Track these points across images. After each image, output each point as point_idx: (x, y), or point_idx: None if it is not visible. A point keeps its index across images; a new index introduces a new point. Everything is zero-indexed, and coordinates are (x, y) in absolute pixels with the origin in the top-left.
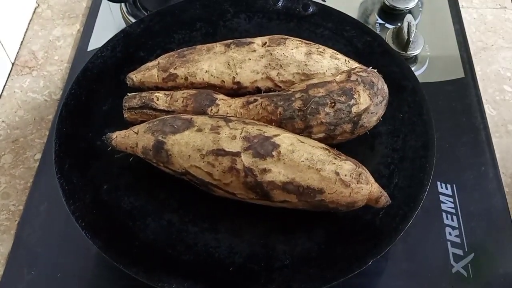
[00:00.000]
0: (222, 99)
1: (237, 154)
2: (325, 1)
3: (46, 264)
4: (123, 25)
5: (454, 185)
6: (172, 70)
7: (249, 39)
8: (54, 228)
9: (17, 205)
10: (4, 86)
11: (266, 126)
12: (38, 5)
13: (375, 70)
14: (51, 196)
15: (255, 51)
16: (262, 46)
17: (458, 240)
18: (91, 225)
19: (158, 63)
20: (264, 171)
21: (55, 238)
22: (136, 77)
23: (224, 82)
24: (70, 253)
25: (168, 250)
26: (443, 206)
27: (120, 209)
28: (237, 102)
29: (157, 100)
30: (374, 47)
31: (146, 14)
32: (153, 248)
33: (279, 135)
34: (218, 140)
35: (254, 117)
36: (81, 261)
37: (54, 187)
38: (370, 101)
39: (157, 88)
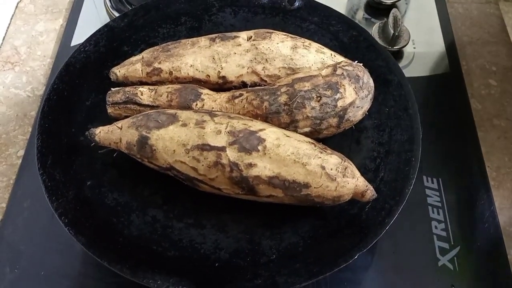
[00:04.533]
0: (207, 93)
1: (222, 148)
2: None
3: (29, 262)
4: (107, 20)
5: (440, 179)
6: (156, 65)
7: (234, 33)
8: (38, 225)
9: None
10: None
11: (252, 120)
12: (21, 0)
13: (361, 64)
14: (34, 193)
15: (240, 45)
16: (247, 40)
17: (444, 233)
18: (74, 221)
19: (142, 57)
20: (250, 165)
21: (38, 235)
22: (119, 71)
23: (209, 76)
24: (54, 250)
25: (153, 246)
26: (429, 200)
27: (104, 205)
28: (223, 96)
29: (141, 95)
30: (360, 41)
31: (130, 8)
32: (137, 244)
33: (264, 129)
34: (203, 135)
35: (240, 112)
36: (66, 258)
37: (37, 184)
38: (355, 95)
39: (141, 83)
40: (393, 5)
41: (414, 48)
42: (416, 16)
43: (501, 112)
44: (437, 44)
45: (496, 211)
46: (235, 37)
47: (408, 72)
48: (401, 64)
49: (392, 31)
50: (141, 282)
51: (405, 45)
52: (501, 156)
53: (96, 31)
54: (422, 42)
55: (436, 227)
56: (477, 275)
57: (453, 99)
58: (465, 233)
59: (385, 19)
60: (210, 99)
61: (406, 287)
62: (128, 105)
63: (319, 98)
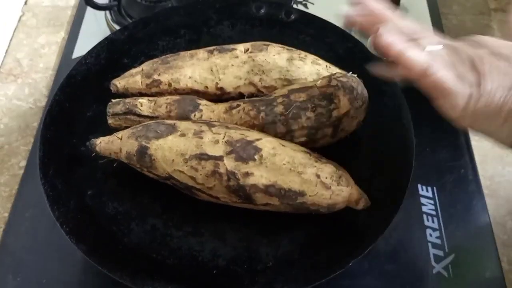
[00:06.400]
0: (206, 104)
1: (220, 158)
2: (308, 9)
3: (31, 270)
4: (108, 32)
5: (434, 187)
6: (156, 76)
7: (231, 46)
8: (40, 234)
9: (2, 212)
10: None
11: (249, 130)
12: (23, 13)
13: (355, 75)
14: (36, 203)
15: (237, 57)
16: (244, 52)
17: (438, 241)
18: (75, 230)
19: (142, 69)
20: (247, 174)
21: (40, 244)
22: (120, 83)
23: (207, 87)
24: (56, 259)
25: (152, 254)
26: (424, 208)
27: (104, 214)
28: (220, 107)
29: (141, 106)
30: (355, 53)
31: (130, 21)
32: (137, 252)
33: (261, 139)
34: (201, 145)
35: (237, 122)
36: (67, 266)
37: (39, 193)
38: (350, 105)
39: (141, 94)
40: None
41: None
42: None
43: None
44: None
45: (490, 219)
46: (233, 49)
47: (402, 83)
48: None
49: None
50: None
51: None
52: (494, 165)
53: (97, 43)
54: None
55: (430, 235)
56: (471, 282)
57: None
58: (460, 241)
59: None
60: (208, 109)
61: None
62: (128, 116)
63: (314, 109)
